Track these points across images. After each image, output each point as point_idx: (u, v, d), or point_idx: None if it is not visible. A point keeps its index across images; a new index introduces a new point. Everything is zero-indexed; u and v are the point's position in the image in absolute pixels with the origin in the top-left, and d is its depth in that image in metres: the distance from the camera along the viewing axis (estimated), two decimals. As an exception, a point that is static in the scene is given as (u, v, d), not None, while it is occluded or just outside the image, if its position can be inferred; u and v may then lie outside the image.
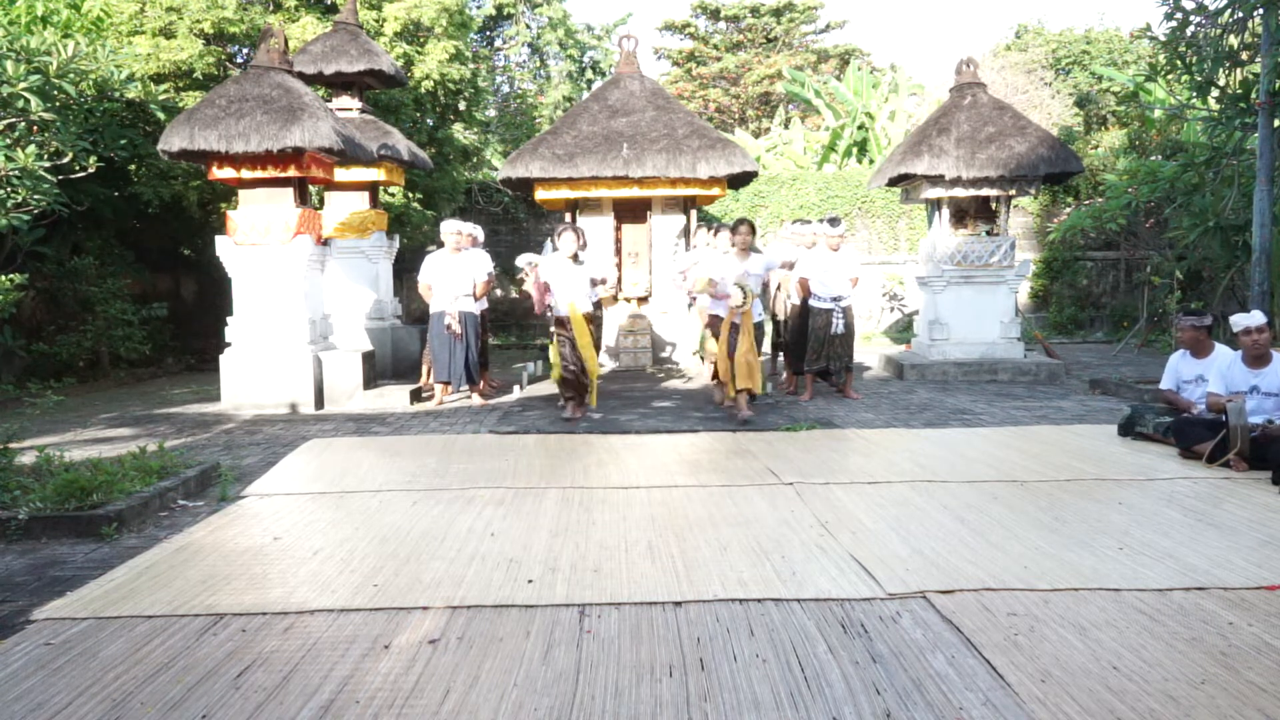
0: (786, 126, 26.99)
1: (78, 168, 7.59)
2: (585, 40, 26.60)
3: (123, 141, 11.42)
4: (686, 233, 12.91)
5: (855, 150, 23.00)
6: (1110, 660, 3.21)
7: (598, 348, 8.74)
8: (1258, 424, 6.15)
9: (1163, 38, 10.02)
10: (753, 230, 8.71)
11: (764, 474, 6.22)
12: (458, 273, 9.60)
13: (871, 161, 21.88)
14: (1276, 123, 9.06)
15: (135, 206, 13.07)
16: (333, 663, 3.30)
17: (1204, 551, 4.40)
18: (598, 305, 9.05)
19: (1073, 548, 4.48)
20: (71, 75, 7.50)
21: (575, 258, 8.47)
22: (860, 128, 22.97)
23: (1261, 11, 8.89)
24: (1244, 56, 9.59)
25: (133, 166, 12.58)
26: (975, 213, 12.01)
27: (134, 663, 3.33)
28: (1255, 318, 6.37)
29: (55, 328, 12.14)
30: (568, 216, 13.08)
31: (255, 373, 9.55)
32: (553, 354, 8.63)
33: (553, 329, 8.58)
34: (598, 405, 9.11)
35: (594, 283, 8.61)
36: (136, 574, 4.34)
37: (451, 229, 9.72)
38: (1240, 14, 9.22)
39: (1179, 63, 9.74)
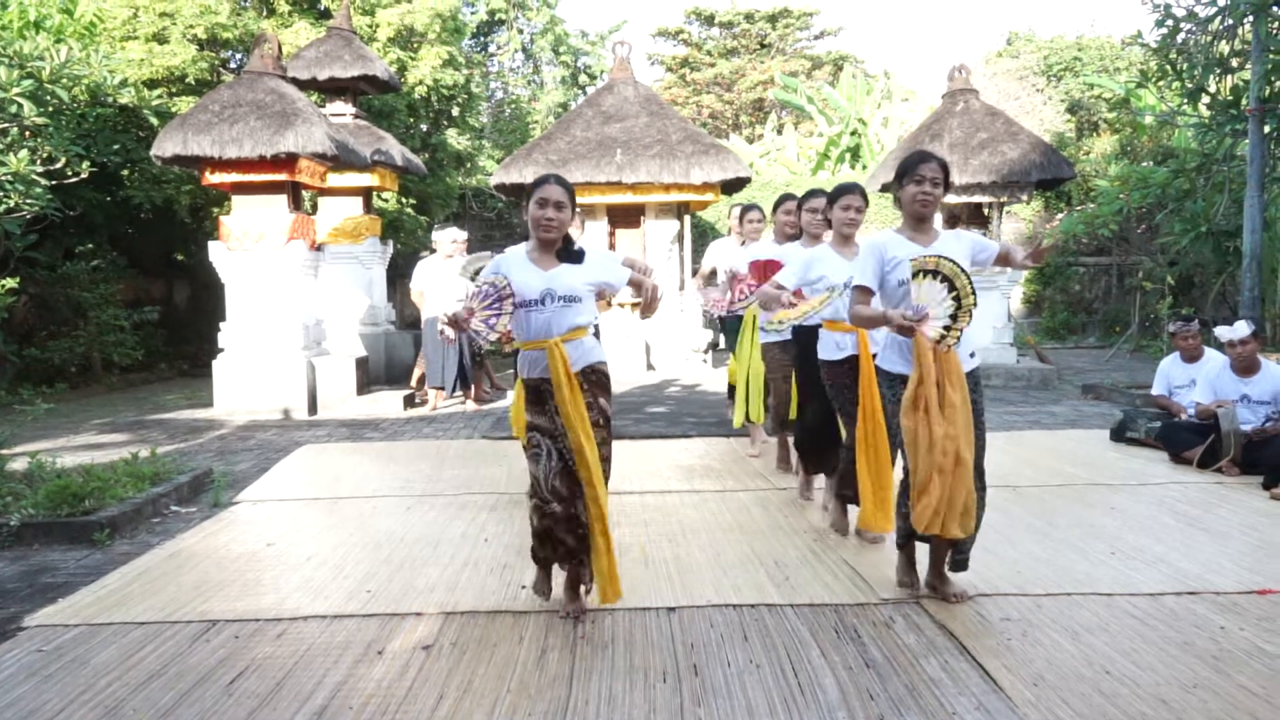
0: (780, 132, 27.08)
1: (70, 173, 7.58)
2: (579, 46, 26.64)
3: (115, 147, 11.41)
4: (680, 238, 12.93)
5: (848, 156, 23.07)
6: (1103, 664, 3.22)
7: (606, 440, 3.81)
8: (1246, 431, 6.17)
9: (1154, 45, 10.08)
10: (866, 203, 4.86)
11: (758, 479, 6.22)
12: (450, 278, 9.59)
13: (864, 168, 21.93)
14: (1266, 129, 9.11)
15: (128, 211, 13.05)
16: (326, 669, 3.30)
17: (1195, 556, 4.42)
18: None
19: (1065, 552, 4.49)
20: (64, 80, 7.50)
21: (567, 248, 3.81)
22: (853, 134, 23.04)
23: (1251, 19, 8.94)
24: (1234, 63, 9.65)
25: (125, 171, 12.56)
26: (968, 218, 12.05)
27: (126, 669, 3.32)
28: (1238, 330, 6.38)
29: (47, 333, 12.10)
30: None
31: (248, 378, 9.52)
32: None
33: (516, 403, 4.22)
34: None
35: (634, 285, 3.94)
36: (129, 580, 4.33)
37: (448, 237, 9.71)
38: (1230, 21, 9.28)
39: (1170, 69, 9.80)
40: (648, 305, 3.79)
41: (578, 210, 3.83)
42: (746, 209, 6.83)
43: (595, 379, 3.75)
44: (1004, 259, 4.00)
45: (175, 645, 3.54)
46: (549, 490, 3.69)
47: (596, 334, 3.96)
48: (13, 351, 11.15)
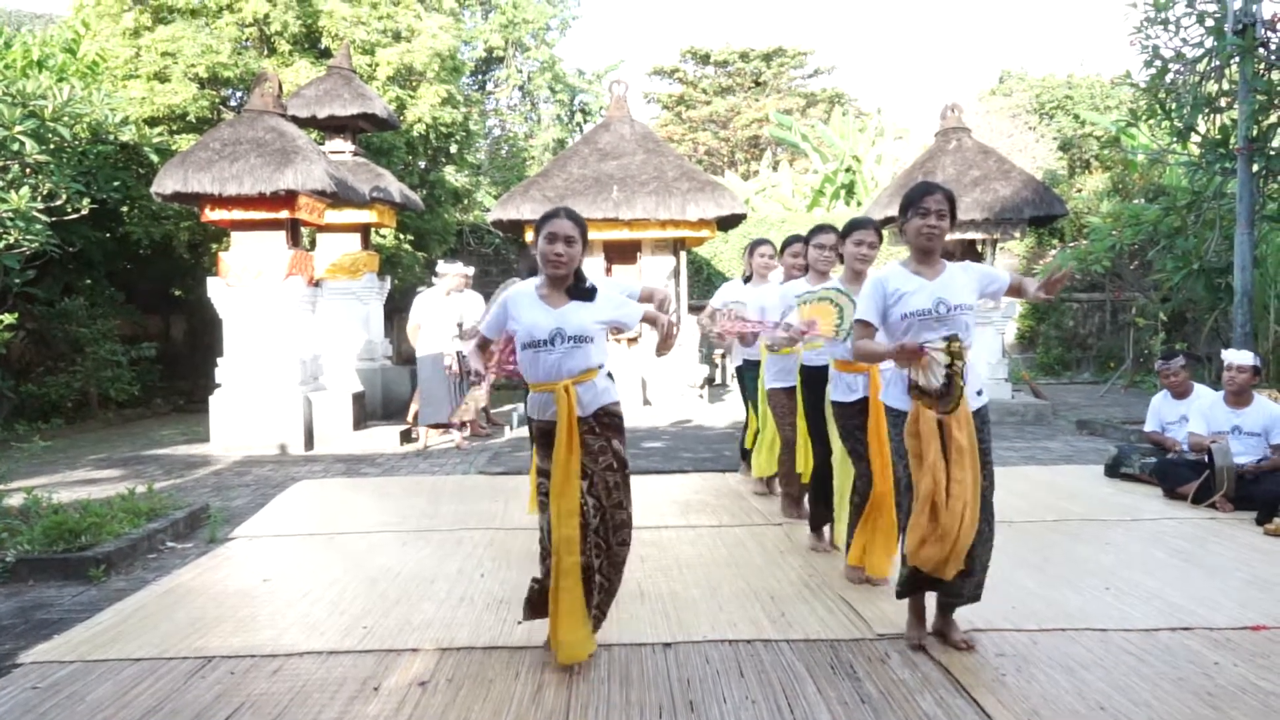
0: (775, 169, 27.32)
1: (70, 209, 7.66)
2: (576, 84, 26.93)
3: (115, 184, 11.50)
4: (676, 273, 13.01)
5: (843, 193, 23.26)
6: (1098, 700, 3.23)
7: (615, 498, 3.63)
8: (1244, 464, 6.20)
9: (1143, 84, 10.23)
10: (880, 238, 4.74)
11: (753, 514, 6.23)
12: (450, 314, 9.61)
13: (859, 204, 22.11)
14: (1254, 167, 9.22)
15: (126, 247, 13.12)
16: (321, 705, 3.29)
17: (1190, 592, 4.43)
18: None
19: (1060, 588, 4.50)
20: (66, 118, 7.60)
21: (578, 284, 3.67)
22: (848, 171, 23.25)
23: (1238, 60, 9.09)
24: (1222, 103, 9.78)
25: (125, 208, 12.64)
26: (961, 255, 12.14)
27: (121, 706, 3.32)
28: (1242, 356, 6.46)
29: (44, 368, 12.12)
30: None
31: (245, 413, 9.53)
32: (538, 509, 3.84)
33: (536, 458, 3.83)
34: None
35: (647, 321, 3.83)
36: (124, 616, 4.32)
37: (456, 270, 9.74)
38: (1217, 62, 9.43)
39: (1159, 109, 9.93)
40: (662, 342, 3.65)
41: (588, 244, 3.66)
42: (757, 244, 6.56)
43: (608, 421, 3.59)
44: (1016, 290, 3.88)
45: (170, 682, 3.53)
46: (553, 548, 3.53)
47: (610, 375, 3.73)
48: (10, 387, 11.16)
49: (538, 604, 3.71)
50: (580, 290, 3.64)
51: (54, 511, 5.61)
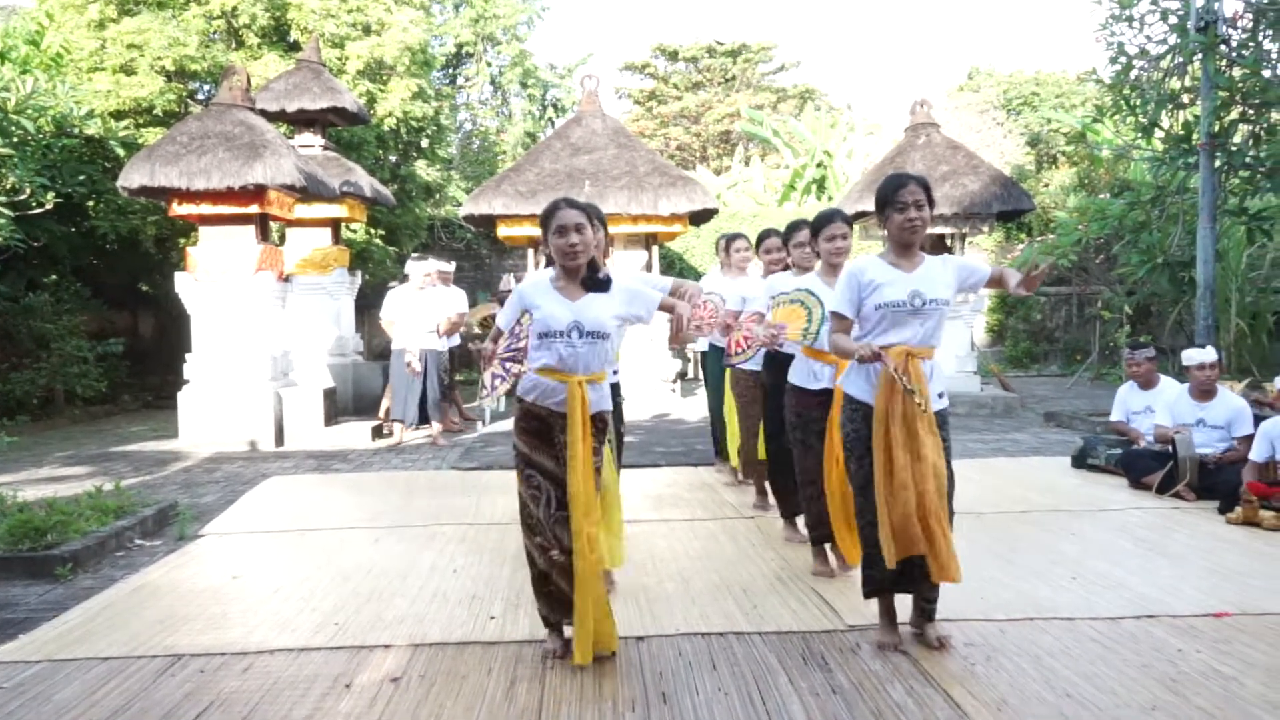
0: (747, 164, 27.39)
1: (35, 204, 7.54)
2: (547, 79, 26.84)
3: (81, 178, 11.34)
4: (648, 268, 13.02)
5: (814, 188, 23.36)
6: (1065, 688, 3.28)
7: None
8: (1207, 454, 6.31)
9: (1108, 81, 10.36)
10: (850, 228, 4.74)
11: (725, 508, 6.26)
12: (421, 310, 9.56)
13: (830, 199, 22.21)
14: (1216, 163, 9.37)
15: (93, 242, 12.94)
16: (293, 702, 3.28)
17: (1154, 580, 4.50)
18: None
19: (1028, 578, 4.56)
20: (30, 111, 7.49)
21: (592, 275, 3.62)
22: (819, 166, 23.36)
23: (1200, 57, 9.23)
24: (1185, 99, 9.94)
25: (91, 202, 12.46)
26: (931, 249, 12.22)
27: (90, 705, 3.29)
28: (1208, 354, 6.55)
29: (9, 365, 11.93)
30: (530, 253, 13.14)
31: (214, 410, 9.44)
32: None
33: (516, 441, 3.62)
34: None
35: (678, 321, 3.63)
36: (92, 615, 4.28)
37: (421, 269, 9.67)
38: (1181, 59, 9.57)
39: (1124, 105, 10.07)
40: (674, 335, 3.58)
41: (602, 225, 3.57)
42: (732, 238, 6.57)
43: (601, 425, 3.62)
44: (997, 282, 3.80)
45: (139, 681, 3.50)
46: (552, 536, 3.49)
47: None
48: (-28, 384, 10.98)
49: (559, 601, 3.55)
50: (595, 282, 3.58)
51: (20, 509, 5.54)
